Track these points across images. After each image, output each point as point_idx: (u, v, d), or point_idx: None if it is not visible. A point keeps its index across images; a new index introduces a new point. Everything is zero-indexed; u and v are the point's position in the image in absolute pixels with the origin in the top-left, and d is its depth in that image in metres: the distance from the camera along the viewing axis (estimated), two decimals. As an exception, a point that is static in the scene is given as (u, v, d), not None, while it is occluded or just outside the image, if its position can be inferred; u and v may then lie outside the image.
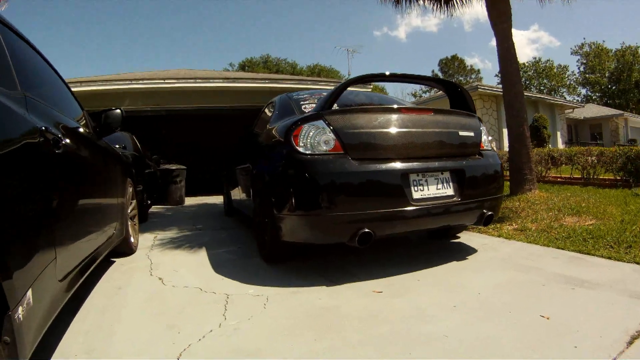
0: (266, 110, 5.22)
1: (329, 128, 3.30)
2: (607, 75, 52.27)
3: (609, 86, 52.02)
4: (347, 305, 2.77)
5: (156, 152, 10.82)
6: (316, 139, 3.27)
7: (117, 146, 6.01)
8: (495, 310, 2.61)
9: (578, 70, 57.22)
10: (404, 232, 3.53)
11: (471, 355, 2.06)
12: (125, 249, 4.26)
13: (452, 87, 4.28)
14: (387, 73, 3.74)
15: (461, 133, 3.81)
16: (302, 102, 4.29)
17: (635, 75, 35.03)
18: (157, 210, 8.94)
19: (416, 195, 3.35)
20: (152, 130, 14.52)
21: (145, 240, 5.13)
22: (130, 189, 4.59)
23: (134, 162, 6.80)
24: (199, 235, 5.67)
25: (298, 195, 3.24)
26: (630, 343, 2.10)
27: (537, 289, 3.01)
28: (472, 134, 3.91)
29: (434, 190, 3.46)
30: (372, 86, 14.56)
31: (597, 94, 53.59)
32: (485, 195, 3.78)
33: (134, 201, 4.79)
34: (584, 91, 56.31)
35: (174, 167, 9.95)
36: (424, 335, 2.28)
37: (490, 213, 3.76)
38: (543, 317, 2.48)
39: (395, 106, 3.75)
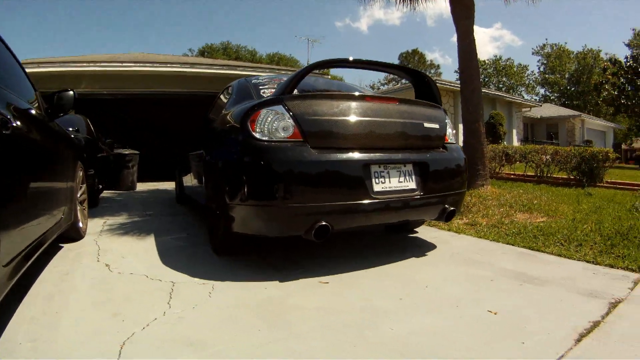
0: (222, 95, 4.98)
1: (289, 114, 3.11)
2: (566, 76, 53.80)
3: (568, 87, 53.56)
4: (295, 296, 2.74)
5: (111, 136, 10.47)
6: (274, 125, 3.08)
7: (70, 129, 5.85)
8: (442, 304, 2.61)
9: (538, 70, 58.76)
10: (363, 226, 3.39)
11: (417, 348, 2.05)
12: (73, 234, 4.15)
13: (418, 76, 4.15)
14: (351, 58, 3.58)
15: (426, 125, 3.69)
16: (261, 87, 4.08)
17: (595, 78, 35.73)
18: (109, 195, 8.72)
19: (377, 187, 3.21)
20: (108, 114, 14.14)
21: (94, 226, 5.00)
22: (81, 173, 4.47)
23: (87, 145, 6.58)
24: (149, 221, 5.56)
25: (252, 184, 3.04)
26: (578, 341, 2.11)
27: (486, 283, 3.02)
28: (437, 126, 3.79)
29: (395, 183, 3.33)
30: (329, 76, 14.49)
31: (555, 94, 55.09)
32: (448, 190, 3.69)
33: (84, 185, 4.66)
34: (542, 91, 57.87)
35: (127, 152, 9.47)
36: (370, 327, 2.27)
37: (452, 209, 3.67)
38: (490, 312, 2.47)
39: (359, 94, 3.59)
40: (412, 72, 4.21)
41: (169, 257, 3.68)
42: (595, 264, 3.44)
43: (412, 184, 3.42)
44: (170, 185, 9.79)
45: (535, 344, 2.09)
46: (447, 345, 2.08)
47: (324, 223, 2.94)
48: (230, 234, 3.35)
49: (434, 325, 2.30)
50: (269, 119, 3.09)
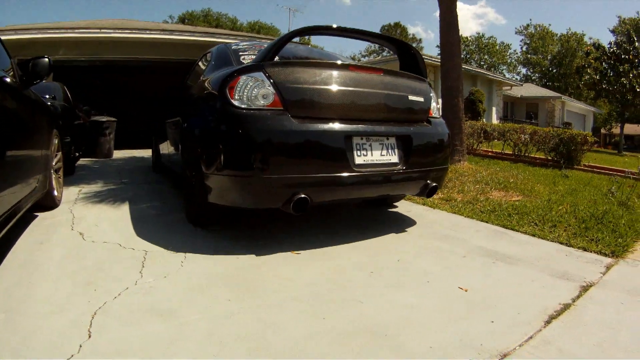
0: (201, 62, 4.80)
1: (269, 81, 2.97)
2: (549, 58, 53.86)
3: (550, 69, 53.74)
4: (267, 267, 2.74)
5: (88, 104, 10.24)
6: (254, 92, 2.94)
7: (47, 96, 5.81)
8: (413, 279, 2.63)
9: (520, 50, 58.80)
10: (343, 199, 3.30)
11: (384, 322, 2.05)
12: (49, 202, 4.05)
13: (404, 47, 4.01)
14: (335, 26, 3.43)
15: (410, 97, 3.58)
16: (241, 53, 3.92)
17: (577, 61, 35.95)
18: (85, 162, 8.47)
19: (359, 160, 3.11)
20: (86, 81, 13.79)
21: (70, 194, 4.89)
22: (57, 141, 4.36)
23: (63, 113, 6.40)
24: (124, 189, 5.45)
25: (229, 153, 2.92)
26: (547, 322, 2.12)
27: (458, 260, 3.02)
28: (421, 99, 3.69)
29: (377, 156, 3.23)
30: (310, 45, 14.32)
31: (537, 74, 55.33)
32: (431, 165, 3.61)
33: (60, 153, 4.54)
34: (524, 70, 58.11)
35: (104, 119, 9.46)
36: (339, 300, 2.29)
37: (434, 184, 3.61)
38: (461, 289, 2.49)
39: (343, 62, 3.45)
40: (398, 43, 4.07)
41: (143, 225, 3.63)
42: (569, 246, 3.44)
43: (394, 158, 3.33)
44: (147, 153, 9.57)
45: (504, 323, 2.08)
46: (415, 320, 2.08)
47: (302, 196, 2.84)
48: (206, 204, 3.23)
49: (403, 300, 2.31)
50: (249, 85, 2.95)
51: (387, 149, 3.30)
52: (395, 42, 4.08)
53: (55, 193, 4.15)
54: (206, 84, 3.56)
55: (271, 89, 2.95)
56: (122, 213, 4.07)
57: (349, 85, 3.19)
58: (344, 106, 3.15)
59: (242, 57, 3.82)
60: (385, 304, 2.26)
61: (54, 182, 4.07)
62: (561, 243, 3.50)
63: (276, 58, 3.20)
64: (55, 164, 4.28)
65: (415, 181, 3.51)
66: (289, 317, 2.07)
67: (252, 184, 2.88)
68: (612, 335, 2.03)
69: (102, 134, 9.37)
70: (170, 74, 8.58)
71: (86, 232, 3.36)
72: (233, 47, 4.15)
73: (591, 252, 3.32)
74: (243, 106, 2.92)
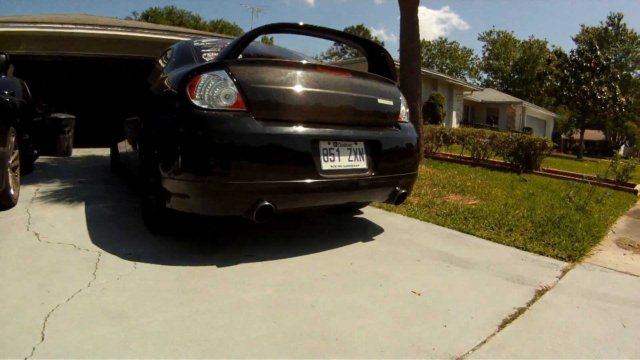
0: (162, 59, 4.54)
1: (232, 80, 2.77)
2: (511, 64, 54.78)
3: (512, 75, 54.71)
4: (220, 271, 2.70)
5: (48, 100, 9.72)
6: (216, 92, 2.73)
7: (5, 92, 5.37)
8: (366, 283, 2.61)
9: (483, 56, 59.59)
10: (309, 206, 3.13)
11: (335, 326, 2.04)
12: (5, 201, 3.93)
13: (373, 48, 3.86)
14: (301, 24, 3.24)
15: (380, 101, 3.45)
16: (203, 50, 3.69)
17: (539, 68, 36.62)
18: (43, 160, 8.26)
19: (325, 166, 2.95)
20: (47, 77, 13.08)
21: (27, 193, 4.74)
22: (14, 139, 4.24)
23: (22, 109, 5.94)
24: (82, 188, 5.31)
25: (188, 156, 2.71)
26: (501, 327, 2.11)
27: (412, 263, 3.01)
28: (391, 103, 3.57)
29: (345, 161, 3.08)
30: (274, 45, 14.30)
31: (498, 80, 56.17)
32: (400, 172, 3.49)
33: (17, 151, 4.43)
34: (485, 76, 58.86)
35: (63, 117, 8.88)
36: (291, 304, 2.27)
37: (403, 191, 3.49)
38: (414, 292, 2.47)
39: (310, 62, 3.28)
40: (367, 44, 3.90)
41: (98, 226, 3.56)
42: (525, 250, 3.44)
43: (362, 164, 3.19)
44: (106, 152, 9.29)
45: (457, 328, 2.08)
46: (367, 324, 2.07)
47: (267, 203, 2.67)
48: (165, 210, 3.02)
49: (355, 304, 2.29)
50: (210, 84, 2.74)
51: (355, 154, 3.16)
52: (364, 42, 3.92)
53: (12, 192, 4.02)
54: (165, 82, 3.33)
55: (234, 89, 2.76)
56: (78, 213, 3.98)
57: (316, 86, 3.02)
58: (311, 108, 2.98)
59: (205, 54, 3.59)
60: (336, 308, 2.23)
61: (10, 181, 3.94)
62: (517, 247, 3.50)
63: (240, 56, 3.01)
64: (12, 162, 4.14)
65: (383, 188, 3.38)
66: (240, 320, 2.05)
67: (213, 191, 2.68)
68: (566, 339, 2.04)
69: (61, 131, 8.82)
70: (132, 72, 8.34)
71: (41, 233, 3.27)
72: (195, 44, 3.92)
73: (547, 256, 3.32)
74: (204, 106, 2.71)
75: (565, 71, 25.83)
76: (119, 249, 2.95)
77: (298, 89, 2.93)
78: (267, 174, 2.71)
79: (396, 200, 3.45)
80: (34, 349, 1.71)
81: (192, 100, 2.73)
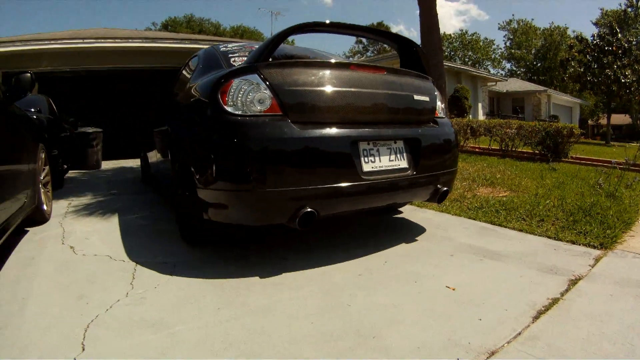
0: (188, 67, 4.43)
1: (265, 84, 2.65)
2: (533, 52, 53.67)
3: (534, 63, 53.49)
4: (255, 273, 2.69)
5: (74, 115, 10.03)
6: (249, 97, 2.61)
7: (32, 110, 5.71)
8: (401, 279, 2.59)
9: (504, 45, 58.41)
10: (351, 210, 2.98)
11: (373, 323, 2.04)
12: (38, 217, 3.97)
13: (405, 44, 3.70)
14: (328, 22, 3.09)
15: (416, 97, 3.29)
16: (231, 55, 3.57)
17: (561, 54, 35.81)
18: (73, 175, 8.29)
19: (366, 167, 2.81)
20: (71, 92, 13.51)
21: (59, 208, 4.78)
22: (43, 155, 4.27)
23: (49, 126, 6.25)
24: (113, 200, 5.35)
25: (224, 166, 2.60)
26: (536, 318, 2.09)
27: (445, 259, 2.98)
28: (427, 98, 3.40)
29: (386, 162, 2.93)
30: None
31: (521, 69, 55.00)
32: (440, 169, 3.33)
33: (47, 167, 4.46)
34: (508, 65, 57.67)
35: (90, 131, 9.22)
36: (329, 305, 2.25)
37: (445, 189, 3.33)
38: (449, 287, 2.46)
39: (343, 62, 3.15)
40: (399, 39, 3.74)
41: (132, 236, 3.59)
42: (557, 240, 3.37)
43: (403, 163, 3.04)
44: (135, 163, 9.42)
45: (492, 320, 2.06)
46: (402, 321, 2.06)
47: (309, 209, 2.54)
48: (201, 221, 2.91)
49: (390, 301, 2.28)
50: (243, 90, 2.63)
51: (396, 154, 3.01)
52: (396, 38, 3.75)
53: (45, 207, 4.05)
54: (194, 90, 3.23)
55: (268, 93, 2.63)
56: (111, 225, 3.99)
57: (351, 86, 2.88)
58: (347, 109, 2.84)
59: (233, 59, 3.48)
60: (372, 306, 2.23)
61: (42, 197, 3.98)
62: (549, 237, 3.43)
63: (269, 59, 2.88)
64: (43, 178, 4.18)
65: (425, 186, 3.22)
66: (278, 322, 2.06)
67: (253, 199, 2.55)
68: (600, 327, 2.00)
69: (89, 145, 9.15)
70: (156, 82, 8.40)
71: (77, 246, 3.29)
72: (222, 49, 3.80)
73: (579, 245, 3.25)
74: (237, 112, 2.60)
75: (587, 56, 25.07)
76: (155, 259, 2.96)
77: (333, 89, 2.79)
78: (308, 179, 2.58)
79: (438, 198, 3.29)
80: (74, 359, 1.72)
81: (225, 106, 2.62)
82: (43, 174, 4.18)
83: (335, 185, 2.65)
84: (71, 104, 12.09)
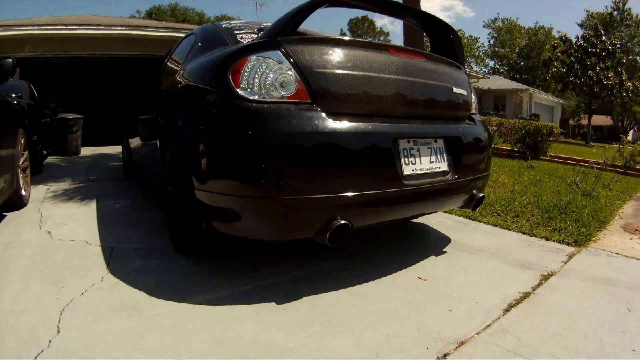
0: (181, 47, 3.73)
1: (289, 62, 2.06)
2: (516, 50, 53.24)
3: (518, 61, 53.00)
4: (229, 258, 2.68)
5: (56, 101, 9.53)
6: (269, 79, 2.02)
7: (13, 95, 5.58)
8: (375, 270, 2.54)
9: (488, 43, 57.99)
10: (388, 221, 2.45)
11: (343, 310, 2.03)
12: (16, 202, 3.88)
13: (441, 27, 3.10)
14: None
15: (455, 90, 2.78)
16: (237, 32, 2.92)
17: (545, 54, 35.55)
18: (53, 161, 8.02)
19: (407, 170, 2.27)
20: (54, 78, 13.16)
21: (37, 193, 4.68)
22: (23, 140, 4.21)
23: (30, 111, 6.12)
24: (92, 186, 5.24)
25: (236, 166, 2.01)
26: (506, 311, 2.10)
27: (419, 250, 2.97)
28: (464, 92, 2.89)
29: (427, 163, 2.41)
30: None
31: (505, 67, 54.54)
32: (479, 173, 2.83)
33: (26, 152, 4.39)
34: (491, 63, 57.34)
35: (70, 117, 8.85)
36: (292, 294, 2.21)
37: (482, 195, 2.82)
38: (421, 279, 2.43)
39: (381, 43, 2.54)
40: (434, 21, 3.10)
41: (109, 222, 3.53)
42: (531, 236, 3.39)
43: (444, 165, 2.52)
44: (115, 149, 9.33)
45: (462, 312, 2.06)
46: (374, 311, 2.04)
47: (342, 222, 1.98)
48: (201, 230, 2.35)
49: (360, 291, 2.25)
50: (261, 69, 2.03)
51: (436, 155, 2.48)
52: (431, 20, 3.09)
53: (23, 192, 3.97)
54: (193, 72, 2.65)
55: (293, 74, 2.04)
56: (89, 210, 3.93)
57: (389, 72, 2.33)
58: (387, 99, 2.30)
59: (240, 36, 2.83)
60: (343, 294, 2.20)
61: (21, 182, 3.90)
62: (523, 233, 3.45)
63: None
64: (22, 163, 4.13)
65: (464, 192, 2.70)
66: (247, 308, 2.04)
67: (272, 208, 1.97)
68: (571, 323, 2.00)
69: (69, 131, 8.80)
70: (140, 69, 8.03)
71: (54, 231, 3.23)
72: (224, 25, 3.14)
73: (553, 241, 3.27)
74: (253, 98, 2.01)
75: (571, 57, 25.01)
76: (131, 245, 2.93)
77: (370, 74, 2.23)
78: (342, 184, 2.01)
79: (474, 205, 2.79)
80: (50, 341, 1.70)
81: (237, 90, 2.03)
82: (22, 159, 4.10)
83: (374, 192, 2.10)
84: (53, 90, 11.78)
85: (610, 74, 23.84)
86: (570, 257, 2.92)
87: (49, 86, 11.17)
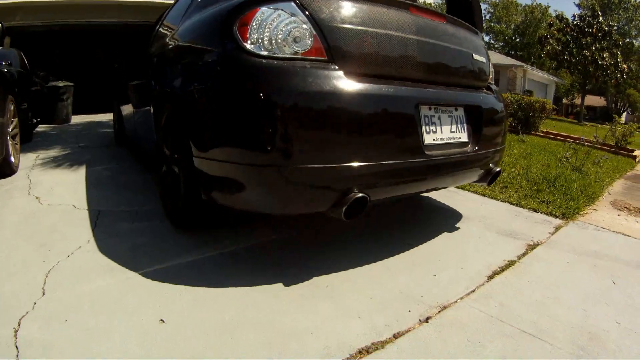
0: (175, 8, 3.39)
1: (304, 15, 1.80)
2: (512, 27, 52.63)
3: (513, 38, 52.38)
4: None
5: (47, 69, 9.24)
6: (281, 32, 1.77)
7: (2, 63, 5.41)
8: (356, 235, 2.53)
9: (484, 18, 57.40)
10: (404, 195, 2.25)
11: (326, 274, 2.02)
12: (5, 169, 3.84)
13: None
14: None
15: (475, 56, 2.56)
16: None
17: (541, 32, 35.21)
18: (43, 129, 7.99)
19: (428, 139, 2.06)
20: (45, 46, 12.91)
21: (27, 160, 4.60)
22: (13, 107, 4.18)
23: (20, 79, 5.85)
24: (81, 153, 5.19)
25: (242, 130, 1.76)
26: (490, 277, 2.09)
27: (407, 217, 2.98)
28: (484, 59, 2.69)
29: (447, 133, 2.21)
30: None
31: (500, 43, 53.93)
32: (497, 145, 2.65)
33: (16, 120, 4.36)
34: (487, 38, 56.77)
35: (60, 85, 8.49)
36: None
37: (498, 169, 2.64)
38: (406, 243, 2.42)
39: (402, 1, 2.28)
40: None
41: (98, 187, 3.51)
42: (519, 207, 3.38)
43: (464, 136, 2.32)
44: (106, 117, 9.25)
45: (446, 277, 2.06)
46: (355, 275, 2.03)
47: (360, 194, 1.77)
48: (198, 203, 2.13)
49: (347, 255, 2.23)
50: (273, 21, 1.78)
51: (457, 124, 2.28)
52: None
53: (12, 159, 3.93)
54: (193, 28, 2.38)
55: (308, 28, 1.79)
56: (78, 176, 3.91)
57: (411, 32, 2.09)
58: (408, 61, 2.06)
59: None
60: (326, 260, 2.16)
61: (10, 149, 3.87)
62: (511, 204, 3.43)
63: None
64: (12, 130, 4.09)
65: (481, 166, 2.52)
66: (230, 263, 2.09)
67: (282, 179, 1.74)
68: (555, 292, 2.01)
69: (59, 99, 8.44)
70: (131, 37, 7.77)
71: (42, 196, 3.20)
72: None
73: (541, 213, 3.26)
74: (263, 53, 1.76)
75: (566, 36, 24.68)
76: (118, 208, 2.92)
77: (390, 33, 1.99)
78: (361, 152, 1.79)
79: (490, 180, 2.61)
80: (35, 303, 1.70)
81: (245, 44, 1.77)
82: (11, 126, 4.06)
83: (395, 162, 1.89)
84: (44, 58, 11.61)
85: (606, 54, 23.57)
86: (557, 229, 2.91)
87: (40, 54, 10.82)
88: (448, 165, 2.17)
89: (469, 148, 2.31)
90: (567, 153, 5.58)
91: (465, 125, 2.32)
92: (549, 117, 10.74)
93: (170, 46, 2.73)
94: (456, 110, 2.27)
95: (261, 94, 1.69)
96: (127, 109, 4.43)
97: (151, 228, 2.52)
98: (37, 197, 3.15)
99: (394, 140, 1.90)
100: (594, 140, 6.23)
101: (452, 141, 2.19)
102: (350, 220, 1.85)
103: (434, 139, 2.07)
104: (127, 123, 4.52)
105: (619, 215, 3.48)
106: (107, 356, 1.42)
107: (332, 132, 1.73)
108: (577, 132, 12.37)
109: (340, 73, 1.77)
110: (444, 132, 2.15)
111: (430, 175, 2.13)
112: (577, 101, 37.45)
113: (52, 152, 5.10)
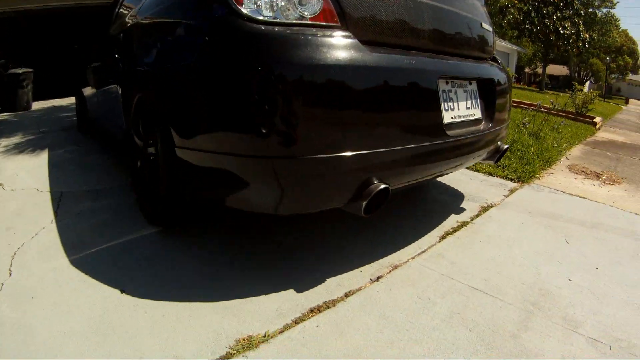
0: None
1: None
2: (473, -4, 52.71)
3: (474, 7, 52.63)
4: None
5: (4, 57, 9.17)
6: None
7: None
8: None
9: (442, -11, 57.19)
10: (423, 181, 2.02)
11: (291, 241, 2.04)
12: None
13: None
14: None
15: (484, 25, 2.30)
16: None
17: (502, 1, 35.28)
18: (4, 117, 7.65)
19: (447, 117, 1.80)
20: (2, 34, 12.34)
21: None
22: None
23: None
24: (43, 138, 5.05)
25: (238, 112, 1.42)
26: (443, 238, 2.13)
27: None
28: (490, 29, 2.43)
29: (463, 109, 1.97)
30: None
31: (460, 14, 54.17)
32: (505, 121, 2.42)
33: None
34: (446, 8, 56.79)
35: (20, 71, 8.39)
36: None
37: (506, 146, 2.41)
38: None
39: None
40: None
41: (60, 169, 3.50)
42: (474, 171, 3.39)
43: (478, 112, 2.09)
44: (67, 101, 8.92)
45: (399, 239, 2.07)
46: (309, 238, 2.06)
47: (382, 185, 1.49)
48: (178, 197, 1.83)
49: (298, 217, 2.20)
50: None
51: (471, 99, 2.03)
52: None
53: None
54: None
55: None
56: (40, 160, 3.88)
57: None
58: (425, 29, 1.78)
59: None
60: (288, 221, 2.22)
61: None
62: (466, 168, 3.37)
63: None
64: None
65: (492, 144, 2.28)
66: (191, 240, 2.06)
67: (292, 172, 1.42)
68: (507, 251, 2.03)
69: (19, 86, 8.35)
70: (92, 17, 7.37)
71: (5, 183, 3.20)
72: None
73: (496, 176, 3.29)
74: (262, 18, 1.43)
75: (528, 5, 24.70)
76: (80, 188, 2.92)
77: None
78: (381, 136, 1.50)
79: (497, 157, 2.39)
80: (2, 284, 1.70)
81: (239, 7, 1.44)
82: None
83: (417, 145, 1.62)
84: (1, 46, 11.25)
85: (567, 24, 23.78)
86: (512, 191, 2.96)
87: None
88: (464, 146, 1.92)
89: (482, 125, 2.08)
90: (525, 119, 5.56)
91: (478, 100, 2.08)
92: (512, 86, 10.60)
93: (143, 17, 2.33)
94: (470, 84, 2.03)
95: (261, 67, 1.36)
96: (89, 92, 3.99)
97: (113, 205, 2.54)
98: (0, 184, 3.11)
99: (416, 120, 1.63)
100: (552, 106, 6.35)
101: (467, 119, 1.95)
102: (369, 216, 1.58)
103: (452, 117, 1.81)
104: (91, 107, 4.07)
105: (575, 178, 3.55)
106: (75, 327, 1.45)
107: (350, 113, 1.43)
108: (538, 99, 12.48)
109: (356, 42, 1.47)
110: (461, 109, 1.90)
111: (449, 159, 1.87)
112: (540, 70, 37.86)
113: (14, 139, 4.97)
